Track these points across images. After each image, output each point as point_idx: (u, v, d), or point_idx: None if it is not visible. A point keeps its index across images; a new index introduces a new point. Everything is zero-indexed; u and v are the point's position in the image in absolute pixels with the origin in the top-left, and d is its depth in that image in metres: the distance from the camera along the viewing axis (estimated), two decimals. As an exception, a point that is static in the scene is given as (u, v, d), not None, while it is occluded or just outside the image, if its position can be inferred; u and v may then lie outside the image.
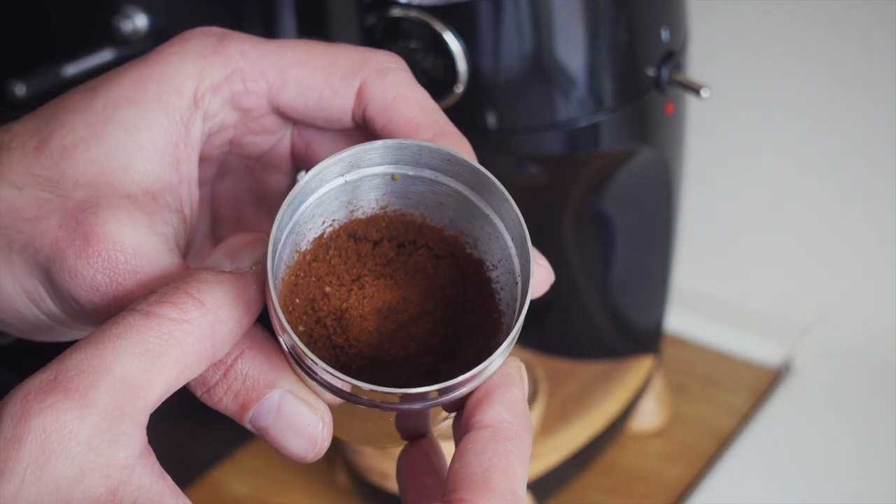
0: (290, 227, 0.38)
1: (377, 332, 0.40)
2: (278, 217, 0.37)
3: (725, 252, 1.01)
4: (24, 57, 0.77)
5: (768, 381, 0.94)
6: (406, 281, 0.41)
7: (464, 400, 0.38)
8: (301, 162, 0.46)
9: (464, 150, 0.42)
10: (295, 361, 0.37)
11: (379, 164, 0.39)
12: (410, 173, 0.40)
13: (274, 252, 0.37)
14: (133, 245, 0.39)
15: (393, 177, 0.40)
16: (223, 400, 0.38)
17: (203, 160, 0.45)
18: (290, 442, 0.38)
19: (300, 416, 0.38)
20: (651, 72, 0.70)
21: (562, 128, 0.69)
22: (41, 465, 0.32)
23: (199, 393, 0.38)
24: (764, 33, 0.90)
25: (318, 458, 0.39)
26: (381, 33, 0.67)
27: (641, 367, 0.87)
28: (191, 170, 0.42)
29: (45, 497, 0.32)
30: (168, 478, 0.34)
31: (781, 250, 0.98)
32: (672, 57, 0.71)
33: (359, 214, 0.40)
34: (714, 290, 1.01)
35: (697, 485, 0.84)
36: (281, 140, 0.46)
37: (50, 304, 0.41)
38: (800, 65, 0.89)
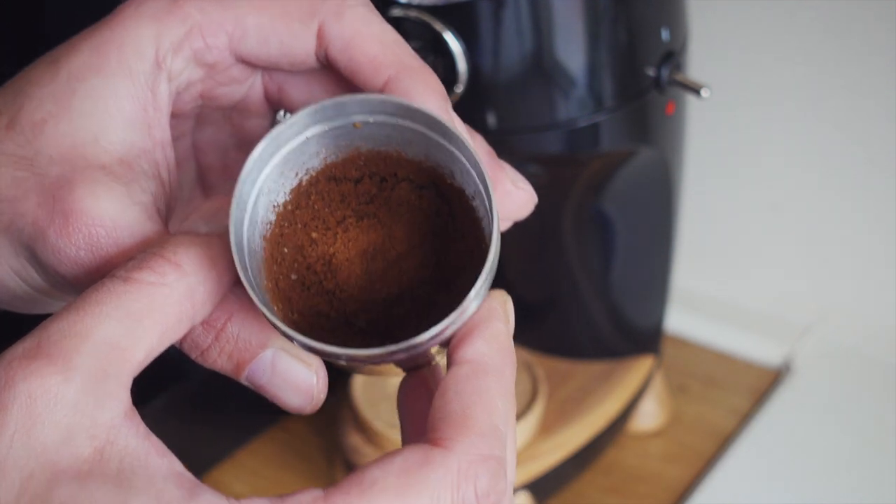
0: (254, 196, 0.38)
1: (366, 274, 0.40)
2: (236, 193, 0.37)
3: (725, 252, 1.01)
4: (24, 57, 0.77)
5: (768, 381, 0.94)
6: (389, 218, 0.40)
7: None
8: (276, 104, 0.46)
9: (430, 85, 0.41)
10: (273, 327, 0.37)
11: (336, 118, 0.39)
12: (371, 120, 0.39)
13: (238, 230, 0.37)
14: (112, 218, 0.39)
15: (355, 124, 0.39)
16: (217, 361, 0.39)
17: (177, 116, 0.45)
18: (287, 397, 0.39)
19: (295, 372, 0.39)
20: (651, 72, 0.70)
21: (562, 128, 0.69)
22: (28, 430, 0.33)
23: (193, 356, 0.39)
24: (764, 33, 0.90)
25: (317, 409, 0.40)
26: (381, 33, 0.67)
27: (641, 367, 0.87)
28: (163, 133, 0.42)
29: (34, 461, 0.32)
30: (154, 437, 0.35)
31: (781, 250, 0.98)
32: (672, 57, 0.71)
33: (333, 159, 0.40)
34: (714, 290, 1.01)
35: (697, 485, 0.84)
36: (252, 86, 0.45)
37: (38, 280, 0.41)
38: (800, 65, 0.89)
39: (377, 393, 0.83)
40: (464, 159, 0.39)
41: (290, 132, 0.39)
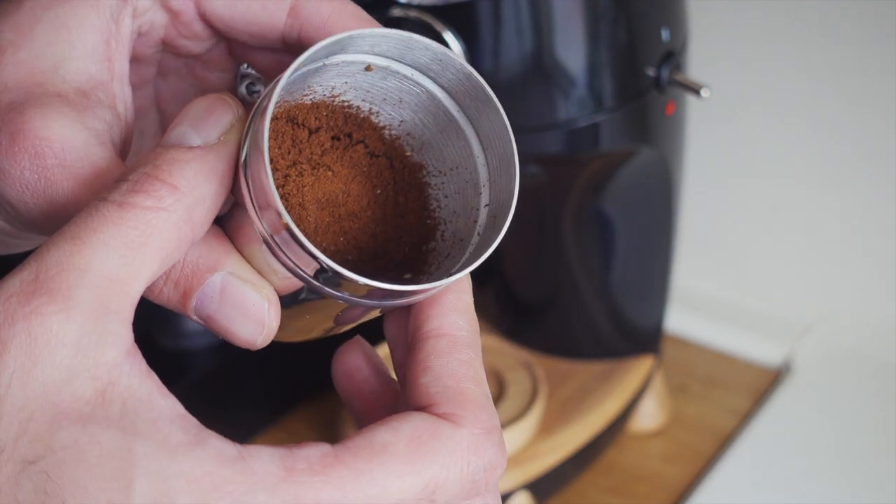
0: (269, 108, 0.36)
1: (314, 223, 0.39)
2: (283, 79, 0.35)
3: (725, 252, 1.01)
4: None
5: (768, 381, 0.94)
6: (345, 175, 0.40)
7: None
8: (240, 59, 0.45)
9: None
10: (269, 236, 0.36)
11: (364, 53, 0.38)
12: (386, 66, 0.39)
13: (272, 105, 0.35)
14: (61, 139, 0.38)
15: (367, 67, 0.39)
16: (164, 291, 0.37)
17: (139, 60, 0.44)
18: (236, 326, 0.37)
19: (244, 297, 0.37)
20: (651, 72, 0.70)
21: (562, 128, 0.69)
22: (28, 371, 0.32)
23: None
24: (764, 33, 0.90)
25: (267, 342, 0.38)
26: (381, 33, 0.67)
27: (641, 367, 0.87)
28: (122, 67, 0.41)
29: (33, 402, 0.32)
30: (154, 376, 0.33)
31: (781, 250, 0.98)
32: (672, 57, 0.71)
33: (307, 100, 0.39)
34: (714, 290, 1.01)
35: (697, 485, 0.84)
36: (217, 43, 0.44)
37: None
38: (800, 65, 0.89)
39: (377, 393, 0.83)
40: (468, 130, 0.38)
41: (326, 51, 0.37)
